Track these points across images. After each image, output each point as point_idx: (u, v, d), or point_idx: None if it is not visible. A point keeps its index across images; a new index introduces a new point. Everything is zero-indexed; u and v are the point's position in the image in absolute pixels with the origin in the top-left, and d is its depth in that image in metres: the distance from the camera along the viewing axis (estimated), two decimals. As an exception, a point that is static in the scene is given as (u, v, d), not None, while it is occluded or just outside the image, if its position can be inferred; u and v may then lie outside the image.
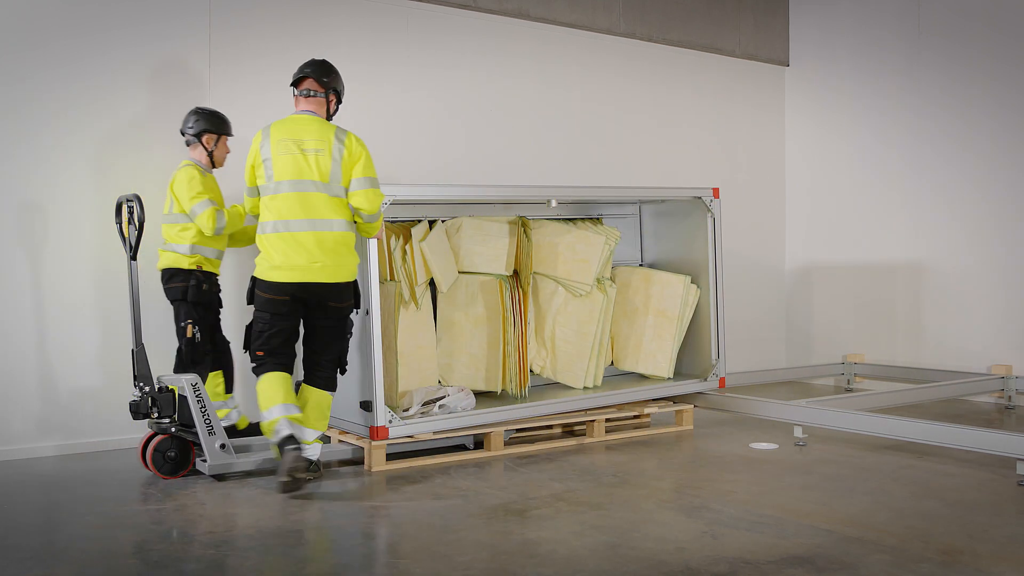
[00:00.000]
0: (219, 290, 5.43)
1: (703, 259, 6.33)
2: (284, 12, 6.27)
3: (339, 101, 4.98)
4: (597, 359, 6.15)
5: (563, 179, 7.39)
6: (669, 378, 6.31)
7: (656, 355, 6.31)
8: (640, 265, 6.79)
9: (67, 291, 5.55)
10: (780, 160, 8.86)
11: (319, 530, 4.04)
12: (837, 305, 8.41)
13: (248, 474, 4.91)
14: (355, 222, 4.83)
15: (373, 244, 5.03)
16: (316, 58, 4.98)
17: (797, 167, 8.80)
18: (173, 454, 4.88)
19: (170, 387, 4.94)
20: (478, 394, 5.79)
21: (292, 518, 4.17)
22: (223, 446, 4.83)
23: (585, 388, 6.11)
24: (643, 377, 6.44)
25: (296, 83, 4.88)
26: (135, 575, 3.46)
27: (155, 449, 4.86)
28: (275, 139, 4.72)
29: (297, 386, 4.90)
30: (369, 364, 5.03)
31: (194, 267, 5.25)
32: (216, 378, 5.45)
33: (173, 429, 4.89)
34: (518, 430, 5.75)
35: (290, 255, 4.64)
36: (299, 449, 4.50)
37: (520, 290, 5.87)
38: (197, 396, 4.84)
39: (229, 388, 5.52)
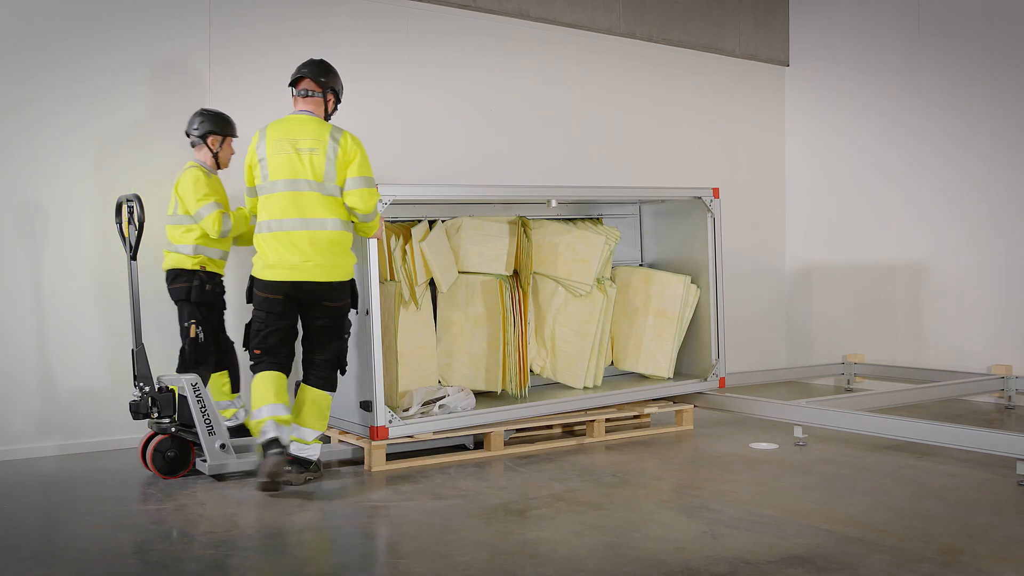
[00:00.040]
0: (223, 291, 5.44)
1: (703, 259, 6.33)
2: (284, 12, 6.27)
3: (338, 100, 4.98)
4: (597, 359, 6.15)
5: (563, 179, 7.39)
6: (669, 378, 6.31)
7: (656, 355, 6.31)
8: (640, 265, 6.79)
9: (67, 291, 5.55)
10: (780, 160, 8.86)
11: (319, 530, 4.04)
12: (837, 305, 8.41)
13: (248, 474, 4.90)
14: (352, 222, 4.83)
15: (373, 244, 5.03)
16: (314, 58, 4.98)
17: (797, 167, 8.80)
18: (173, 454, 4.88)
19: (170, 387, 4.94)
20: (478, 394, 5.79)
21: (292, 518, 4.17)
22: (223, 446, 4.83)
23: (585, 388, 6.11)
24: (643, 377, 6.44)
25: (294, 83, 4.88)
26: (135, 575, 3.47)
27: (155, 449, 4.86)
28: (270, 139, 4.74)
29: (298, 385, 4.91)
30: (369, 364, 5.03)
31: (197, 267, 5.27)
32: (222, 378, 5.46)
33: (173, 429, 4.90)
34: (518, 430, 5.75)
35: (284, 254, 4.66)
36: (282, 453, 4.50)
37: (520, 290, 5.87)
38: (197, 396, 4.83)
39: (236, 388, 5.52)
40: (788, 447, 5.55)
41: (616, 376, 6.54)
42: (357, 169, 4.71)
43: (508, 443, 5.61)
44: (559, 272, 6.08)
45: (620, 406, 6.04)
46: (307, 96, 4.85)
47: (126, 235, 5.07)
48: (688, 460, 5.29)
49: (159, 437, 4.88)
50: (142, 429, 5.33)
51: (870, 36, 8.11)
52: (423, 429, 5.16)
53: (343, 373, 4.95)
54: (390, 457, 5.18)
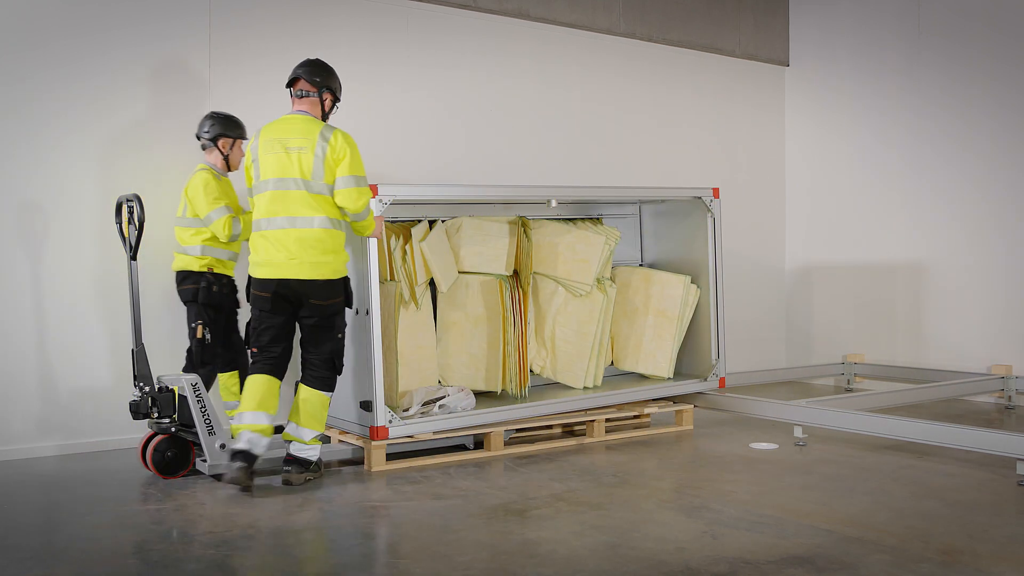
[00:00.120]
0: (234, 291, 5.45)
1: (703, 259, 6.33)
2: (284, 12, 6.27)
3: (336, 99, 4.98)
4: (597, 359, 6.15)
5: (563, 179, 7.39)
6: (669, 378, 6.31)
7: (656, 355, 6.31)
8: (640, 265, 6.79)
9: (67, 291, 5.55)
10: (780, 160, 8.86)
11: (319, 530, 4.04)
12: (837, 305, 8.41)
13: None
14: (346, 220, 4.84)
15: (373, 244, 5.03)
16: (310, 58, 4.98)
17: (797, 167, 8.80)
18: (172, 454, 4.88)
19: (170, 387, 4.94)
20: (478, 394, 5.79)
21: (292, 518, 4.17)
22: (223, 446, 4.83)
23: (585, 388, 6.10)
24: (643, 377, 6.44)
25: (290, 84, 4.90)
26: (135, 575, 3.47)
27: (155, 449, 4.86)
28: (263, 139, 4.78)
29: (297, 385, 4.91)
30: (369, 364, 5.03)
31: (205, 269, 5.31)
32: (232, 378, 5.48)
33: (173, 429, 4.90)
34: (518, 430, 5.75)
35: (271, 252, 4.70)
36: (245, 467, 4.53)
37: (520, 290, 5.87)
38: (197, 396, 4.83)
39: None
40: (788, 447, 5.55)
41: (616, 376, 6.54)
42: (347, 168, 4.71)
43: (508, 443, 5.61)
44: (559, 272, 6.08)
45: (620, 406, 6.04)
46: (303, 97, 4.86)
47: (126, 235, 5.07)
48: (688, 460, 5.29)
49: (159, 437, 4.88)
50: (142, 429, 5.34)
51: (870, 36, 8.11)
52: (423, 429, 5.16)
53: (339, 373, 4.92)
54: (390, 457, 5.18)
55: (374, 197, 4.99)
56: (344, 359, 4.98)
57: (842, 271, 8.35)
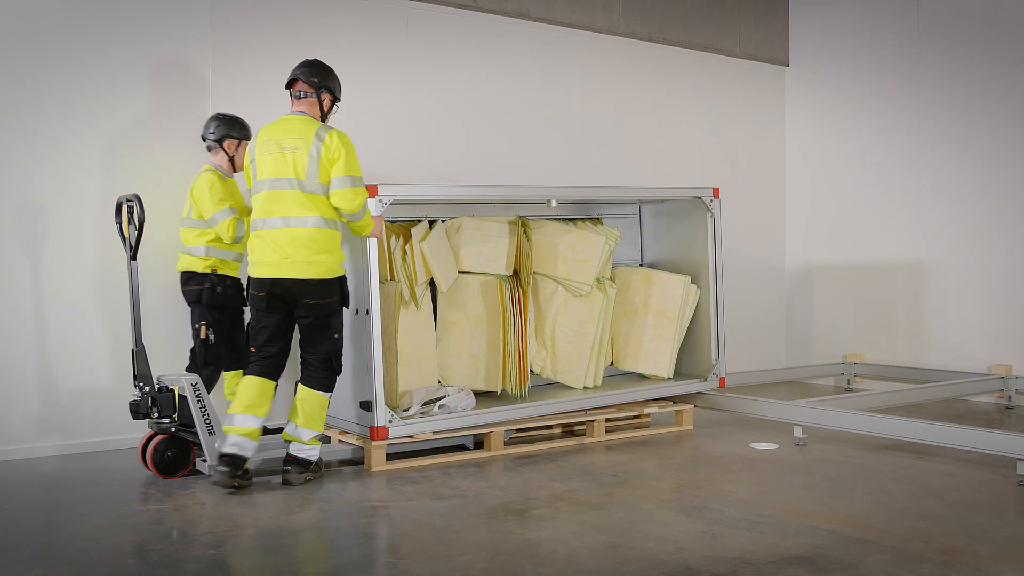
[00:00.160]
0: (239, 292, 5.45)
1: (703, 259, 6.33)
2: (284, 12, 6.27)
3: (335, 99, 4.97)
4: (597, 359, 6.15)
5: (563, 179, 7.39)
6: (669, 378, 6.31)
7: (656, 355, 6.31)
8: (640, 265, 6.79)
9: (67, 291, 5.55)
10: (780, 160, 8.86)
11: (319, 530, 4.04)
12: (837, 305, 8.41)
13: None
14: (342, 220, 4.85)
15: (373, 244, 5.03)
16: (308, 59, 4.98)
17: (797, 167, 8.80)
18: (172, 454, 4.88)
19: (170, 387, 4.94)
20: (478, 394, 5.79)
21: (292, 518, 4.17)
22: (223, 446, 4.83)
23: (585, 388, 6.10)
24: (643, 377, 6.44)
25: (289, 85, 4.90)
26: (135, 575, 3.47)
27: (155, 449, 4.86)
28: (261, 140, 4.79)
29: (297, 385, 4.91)
30: (369, 364, 5.02)
31: (209, 270, 5.32)
32: (237, 377, 5.48)
33: (173, 429, 4.90)
34: (518, 430, 5.75)
35: (265, 252, 4.71)
36: (229, 471, 4.56)
37: (520, 290, 5.87)
38: (197, 396, 4.84)
39: None
40: (788, 447, 5.55)
41: (616, 376, 6.54)
42: (342, 168, 4.71)
43: (508, 443, 5.61)
44: (559, 272, 6.08)
45: (620, 406, 6.04)
46: (301, 97, 4.87)
47: (126, 235, 5.07)
48: (688, 460, 5.29)
49: (159, 437, 4.88)
50: (142, 429, 5.34)
51: (870, 36, 8.11)
52: (423, 429, 5.16)
53: (337, 373, 4.91)
54: (390, 457, 5.18)
55: (374, 197, 4.99)
56: (344, 359, 4.98)
57: (842, 271, 8.35)
